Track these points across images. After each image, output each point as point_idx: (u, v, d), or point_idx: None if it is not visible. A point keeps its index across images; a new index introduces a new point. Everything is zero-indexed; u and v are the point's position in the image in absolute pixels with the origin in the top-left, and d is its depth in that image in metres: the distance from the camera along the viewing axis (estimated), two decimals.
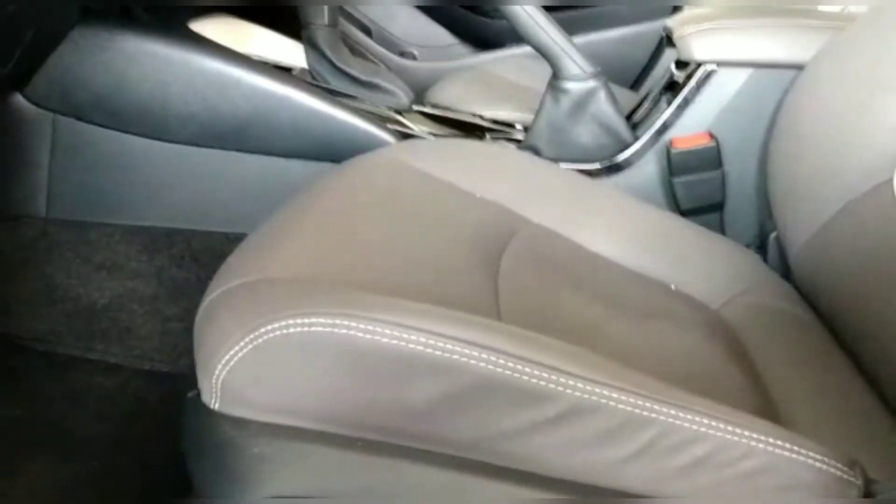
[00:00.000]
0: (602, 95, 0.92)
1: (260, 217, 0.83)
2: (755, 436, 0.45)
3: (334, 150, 0.91)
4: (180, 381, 0.60)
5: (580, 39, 1.57)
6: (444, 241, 0.68)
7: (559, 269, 0.72)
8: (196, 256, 0.95)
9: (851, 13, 0.96)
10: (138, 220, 0.95)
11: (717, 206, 0.90)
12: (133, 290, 0.94)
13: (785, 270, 0.82)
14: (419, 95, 1.39)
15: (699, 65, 0.90)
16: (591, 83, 0.92)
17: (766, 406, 0.63)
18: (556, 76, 0.93)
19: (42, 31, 0.85)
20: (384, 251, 0.62)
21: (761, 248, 0.86)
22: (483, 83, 1.28)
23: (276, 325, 0.44)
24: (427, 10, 1.67)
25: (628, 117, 0.97)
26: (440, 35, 1.67)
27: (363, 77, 0.98)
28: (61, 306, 0.94)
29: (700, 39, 0.89)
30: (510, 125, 1.06)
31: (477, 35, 1.67)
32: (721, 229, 0.90)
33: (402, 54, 1.66)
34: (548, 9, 1.51)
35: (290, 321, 0.44)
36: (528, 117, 1.02)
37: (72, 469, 0.78)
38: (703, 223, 0.87)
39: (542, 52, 0.93)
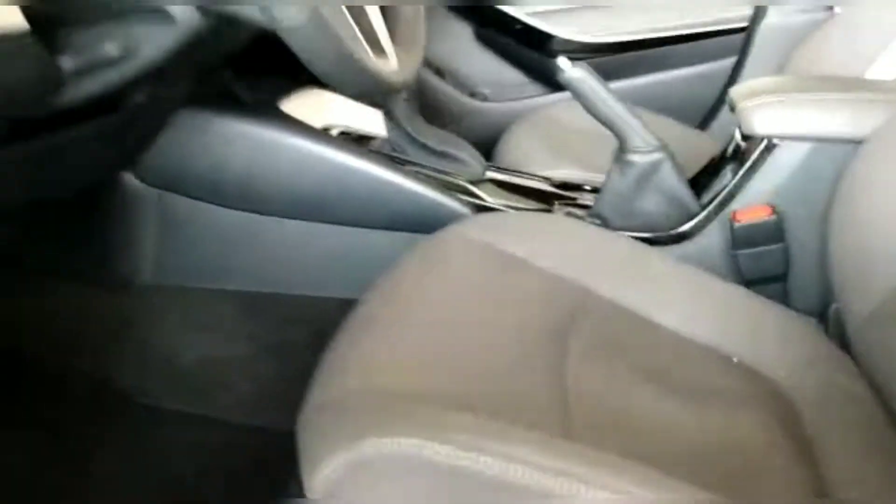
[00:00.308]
0: (667, 168, 0.96)
1: (343, 283, 0.92)
2: None
3: (412, 222, 0.98)
4: (276, 436, 0.67)
5: (648, 79, 1.64)
6: (519, 326, 0.74)
7: (627, 352, 0.77)
8: (287, 318, 1.04)
9: None
10: (235, 286, 1.04)
11: (780, 278, 0.93)
12: (231, 350, 1.03)
13: (844, 343, 0.84)
14: (491, 140, 1.45)
15: (761, 138, 0.93)
16: (656, 156, 0.96)
17: (817, 484, 0.67)
18: (622, 149, 0.97)
19: (154, 117, 0.94)
20: (465, 344, 0.68)
21: (822, 318, 0.90)
22: (551, 136, 1.34)
23: (375, 445, 0.51)
24: (498, 51, 1.73)
25: (693, 182, 1.01)
26: (511, 75, 1.73)
27: (438, 148, 1.05)
28: (165, 364, 1.04)
29: (760, 113, 0.93)
30: (578, 187, 1.11)
31: (547, 76, 1.72)
32: (783, 299, 0.93)
33: (474, 95, 1.73)
34: (620, 46, 1.59)
35: (388, 440, 0.51)
36: (595, 177, 1.08)
37: None
38: (765, 293, 0.91)
39: (607, 126, 0.98)
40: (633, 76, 1.64)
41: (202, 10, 0.61)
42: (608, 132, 0.99)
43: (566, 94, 1.63)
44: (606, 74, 1.62)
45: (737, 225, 0.92)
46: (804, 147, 0.92)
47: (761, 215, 0.92)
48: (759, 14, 1.57)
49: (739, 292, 0.90)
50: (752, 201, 0.94)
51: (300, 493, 0.54)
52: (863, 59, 1.26)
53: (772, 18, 1.56)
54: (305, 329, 0.92)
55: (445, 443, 0.49)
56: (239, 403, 1.04)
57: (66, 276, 1.04)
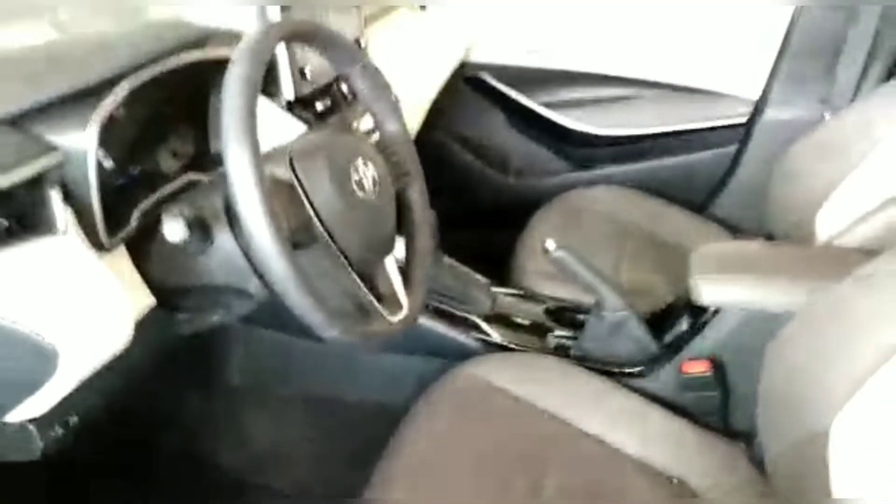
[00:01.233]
0: (633, 322, 1.23)
1: (379, 389, 1.22)
2: None
3: (433, 350, 1.28)
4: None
5: (657, 163, 1.86)
6: (515, 465, 1.04)
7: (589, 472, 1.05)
8: (339, 413, 1.35)
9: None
10: (301, 390, 1.36)
11: (718, 413, 1.20)
12: (298, 435, 1.37)
13: (763, 468, 1.11)
14: (524, 213, 1.70)
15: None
16: (624, 314, 1.23)
17: None
18: (599, 307, 1.24)
19: None
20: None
21: (749, 445, 1.15)
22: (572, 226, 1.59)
23: None
24: (528, 132, 1.97)
25: (658, 327, 1.27)
26: (542, 154, 1.97)
27: (454, 289, 1.33)
28: (249, 447, 1.38)
29: (707, 287, 1.17)
30: (570, 312, 1.38)
31: (572, 155, 1.96)
32: (723, 428, 1.20)
33: (506, 171, 1.99)
34: (630, 139, 1.81)
35: None
36: (587, 299, 1.34)
37: None
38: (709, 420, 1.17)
39: (588, 289, 1.24)
40: (644, 160, 1.87)
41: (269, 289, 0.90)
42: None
43: (594, 173, 1.90)
44: (618, 159, 1.88)
45: (683, 376, 1.19)
46: (742, 314, 1.16)
47: (702, 369, 1.18)
48: (758, 110, 1.76)
49: (683, 423, 1.16)
50: (699, 353, 1.19)
51: None
52: (838, 173, 1.47)
53: (769, 115, 1.75)
54: (353, 422, 1.24)
55: None
56: (304, 477, 1.37)
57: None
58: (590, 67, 1.87)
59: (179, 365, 1.34)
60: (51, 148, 0.76)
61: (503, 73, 1.92)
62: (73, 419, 0.80)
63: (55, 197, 0.76)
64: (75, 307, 0.72)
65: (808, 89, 1.71)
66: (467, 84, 1.94)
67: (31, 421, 0.74)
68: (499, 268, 1.55)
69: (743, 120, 1.79)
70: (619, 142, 1.87)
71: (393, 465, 1.03)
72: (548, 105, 1.91)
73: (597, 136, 1.88)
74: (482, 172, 1.95)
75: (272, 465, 1.37)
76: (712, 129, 1.83)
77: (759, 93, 1.76)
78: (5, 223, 0.75)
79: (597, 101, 1.90)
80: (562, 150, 1.94)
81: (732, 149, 1.80)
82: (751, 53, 1.78)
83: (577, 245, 1.37)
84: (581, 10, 1.86)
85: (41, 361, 0.68)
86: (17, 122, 0.77)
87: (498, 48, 1.91)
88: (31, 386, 0.70)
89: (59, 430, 0.77)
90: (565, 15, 1.87)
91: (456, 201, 1.71)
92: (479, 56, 1.92)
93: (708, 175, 1.84)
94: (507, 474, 1.03)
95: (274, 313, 1.26)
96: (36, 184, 0.75)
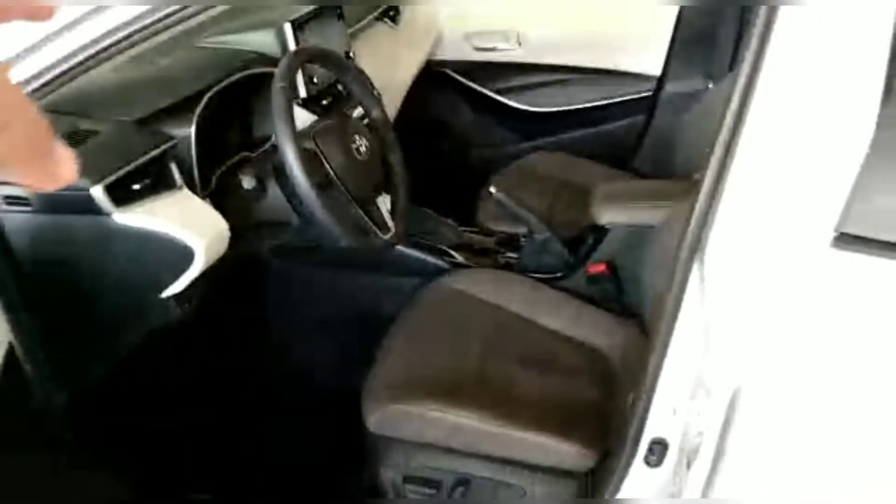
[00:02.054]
0: (554, 242, 1.75)
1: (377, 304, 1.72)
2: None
3: (416, 271, 1.78)
4: None
5: (584, 132, 2.37)
6: (475, 339, 1.54)
7: (522, 345, 1.56)
8: (351, 325, 1.86)
9: None
10: (319, 313, 1.87)
11: (618, 300, 1.71)
12: (321, 346, 1.88)
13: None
14: (480, 179, 2.21)
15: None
16: (548, 235, 1.75)
17: (611, 405, 1.46)
18: (530, 232, 1.76)
19: None
20: (448, 359, 1.49)
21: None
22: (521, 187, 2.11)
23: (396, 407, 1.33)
24: (484, 113, 2.48)
25: (575, 244, 1.79)
26: (494, 129, 2.49)
27: (431, 231, 1.84)
28: (286, 358, 1.89)
29: (602, 210, 1.69)
30: (513, 241, 1.90)
31: (519, 130, 2.47)
32: (621, 308, 1.70)
33: (468, 144, 2.50)
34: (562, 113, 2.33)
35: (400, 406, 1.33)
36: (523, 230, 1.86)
37: None
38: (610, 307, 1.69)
39: (522, 220, 1.76)
40: (576, 130, 2.38)
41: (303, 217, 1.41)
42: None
43: (536, 142, 2.41)
44: (555, 131, 2.38)
45: (589, 276, 1.70)
46: (627, 229, 1.68)
47: (601, 270, 1.69)
48: (660, 85, 2.26)
49: (593, 308, 1.67)
50: (599, 259, 1.71)
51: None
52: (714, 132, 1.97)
53: (668, 89, 2.25)
54: (363, 329, 1.74)
55: (422, 407, 1.32)
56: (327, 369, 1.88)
57: None
58: (529, 59, 2.38)
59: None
60: (170, 137, 1.27)
61: (461, 67, 2.43)
62: (190, 303, 1.31)
63: (174, 167, 1.27)
64: (197, 226, 1.23)
65: (696, 65, 2.20)
66: (434, 77, 2.44)
67: (174, 297, 1.25)
68: (466, 214, 2.06)
69: (650, 93, 2.29)
70: (555, 116, 2.39)
71: (391, 343, 1.54)
72: (498, 91, 2.42)
73: (537, 114, 2.39)
74: (450, 146, 2.47)
75: (302, 366, 1.87)
76: (627, 101, 2.33)
77: (661, 70, 2.26)
78: (141, 185, 1.26)
79: (537, 85, 2.41)
80: (511, 127, 2.46)
81: (642, 117, 2.31)
82: (654, 38, 2.27)
83: (522, 195, 1.89)
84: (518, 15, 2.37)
85: (184, 256, 1.19)
86: (145, 122, 1.28)
87: (455, 48, 2.42)
88: (178, 272, 1.21)
89: (186, 306, 1.28)
90: (507, 18, 2.38)
91: (432, 169, 2.22)
92: (442, 55, 2.42)
93: (626, 138, 2.34)
94: (466, 346, 1.53)
95: (301, 248, 1.77)
96: (162, 159, 1.26)
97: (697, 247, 0.98)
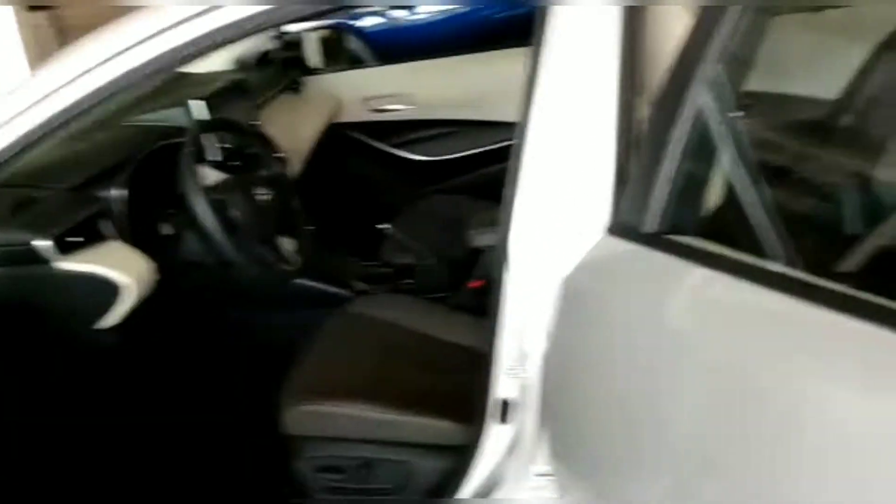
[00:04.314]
0: (440, 266, 2.06)
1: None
2: None
3: (323, 302, 2.07)
4: None
5: (471, 175, 2.72)
6: (377, 355, 1.83)
7: (416, 353, 1.86)
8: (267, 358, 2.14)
9: None
10: (237, 349, 2.14)
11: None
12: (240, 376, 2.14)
13: None
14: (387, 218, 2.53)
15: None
16: (434, 261, 2.06)
17: None
18: (421, 260, 2.07)
19: None
20: (352, 367, 1.78)
21: None
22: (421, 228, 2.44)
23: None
24: (383, 166, 2.82)
25: (457, 266, 2.11)
26: (393, 178, 2.83)
27: (336, 266, 2.14)
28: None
29: (476, 236, 2.01)
30: (410, 270, 2.21)
31: (415, 177, 2.82)
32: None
33: (372, 192, 2.82)
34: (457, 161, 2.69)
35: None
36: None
37: None
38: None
39: (413, 252, 2.07)
40: (465, 174, 2.73)
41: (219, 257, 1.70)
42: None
43: (434, 187, 2.74)
44: (446, 176, 2.72)
45: (471, 290, 2.02)
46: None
47: (480, 284, 2.01)
48: None
49: (467, 317, 1.98)
50: (478, 276, 2.03)
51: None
52: None
53: None
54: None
55: (330, 406, 1.60)
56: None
57: None
58: (420, 116, 2.73)
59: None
60: (102, 199, 1.56)
61: (361, 127, 2.77)
62: (120, 334, 1.58)
63: (106, 222, 1.56)
64: (126, 268, 1.51)
65: None
66: (338, 138, 2.77)
67: (106, 329, 1.52)
68: (371, 252, 2.36)
69: None
70: (446, 164, 2.74)
71: (303, 360, 1.82)
72: (395, 145, 2.77)
73: (430, 162, 2.74)
74: (356, 195, 2.79)
75: (220, 391, 2.12)
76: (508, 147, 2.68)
77: None
78: (79, 237, 1.53)
79: (429, 138, 2.76)
80: (408, 175, 2.80)
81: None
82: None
83: (417, 230, 2.22)
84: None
85: (115, 293, 1.48)
86: (87, 185, 1.57)
87: (355, 111, 2.76)
88: (109, 307, 1.49)
89: (116, 337, 1.55)
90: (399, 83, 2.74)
91: (340, 215, 2.53)
92: (343, 118, 2.76)
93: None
94: (367, 357, 1.80)
95: (217, 286, 2.04)
96: (95, 216, 1.54)
97: (507, 239, 1.30)
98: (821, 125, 1.51)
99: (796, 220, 1.26)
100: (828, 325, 0.87)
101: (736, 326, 0.99)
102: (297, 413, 1.62)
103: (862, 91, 1.45)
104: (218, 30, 1.21)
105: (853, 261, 1.19)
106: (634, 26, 1.20)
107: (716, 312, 1.03)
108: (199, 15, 1.22)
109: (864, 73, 1.44)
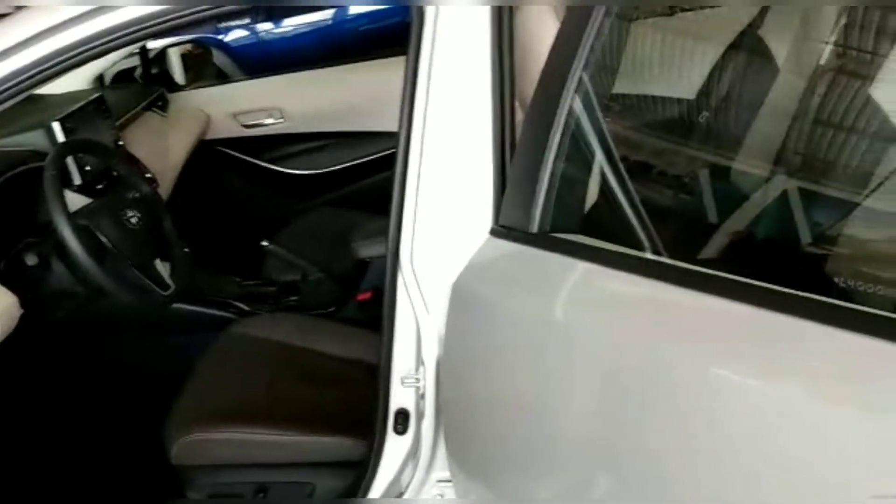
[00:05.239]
0: (326, 280, 2.04)
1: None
2: None
3: (204, 325, 2.00)
4: None
5: (350, 187, 2.70)
6: (266, 375, 1.77)
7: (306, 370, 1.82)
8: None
9: None
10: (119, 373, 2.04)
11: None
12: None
13: None
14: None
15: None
16: (322, 275, 2.04)
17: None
18: (303, 276, 2.04)
19: None
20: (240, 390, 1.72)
21: None
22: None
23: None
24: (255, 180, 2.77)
25: (343, 279, 2.09)
26: (269, 192, 2.78)
27: (214, 286, 2.08)
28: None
29: (359, 248, 2.00)
30: (294, 287, 2.17)
31: (291, 190, 2.78)
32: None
33: (247, 209, 2.76)
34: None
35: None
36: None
37: None
38: None
39: (295, 267, 2.04)
40: (343, 187, 2.71)
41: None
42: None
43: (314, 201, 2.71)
44: (323, 190, 2.69)
45: (359, 303, 2.01)
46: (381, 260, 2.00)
47: (368, 297, 2.00)
48: None
49: (364, 330, 1.96)
50: (366, 288, 2.02)
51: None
52: None
53: None
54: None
55: (219, 432, 1.54)
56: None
57: None
58: (293, 129, 2.69)
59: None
60: None
61: (233, 143, 2.70)
62: None
63: None
64: None
65: None
66: (210, 155, 2.69)
67: None
68: (252, 270, 2.30)
69: None
70: (323, 177, 2.71)
71: (187, 387, 1.75)
72: (270, 160, 2.72)
73: (307, 176, 2.71)
74: (233, 213, 2.72)
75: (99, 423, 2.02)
76: (383, 157, 2.69)
77: None
78: None
79: (303, 152, 2.73)
80: (285, 190, 2.75)
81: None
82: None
83: (298, 245, 2.18)
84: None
85: None
86: None
87: (225, 128, 2.69)
88: None
89: None
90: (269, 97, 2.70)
91: (216, 234, 2.46)
92: (214, 135, 2.68)
93: (385, 188, 2.68)
94: (254, 378, 1.75)
95: (89, 316, 1.94)
96: None
97: (397, 248, 1.30)
98: (680, 123, 1.61)
99: (665, 212, 1.33)
100: (702, 308, 0.92)
101: (618, 315, 1.03)
102: (186, 442, 1.55)
103: (715, 90, 1.55)
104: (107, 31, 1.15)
105: (714, 246, 1.28)
106: (506, 31, 1.23)
107: (598, 304, 1.07)
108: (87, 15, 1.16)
109: (716, 72, 1.54)
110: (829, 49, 1.36)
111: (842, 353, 0.75)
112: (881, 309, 0.77)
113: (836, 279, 1.04)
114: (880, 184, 1.18)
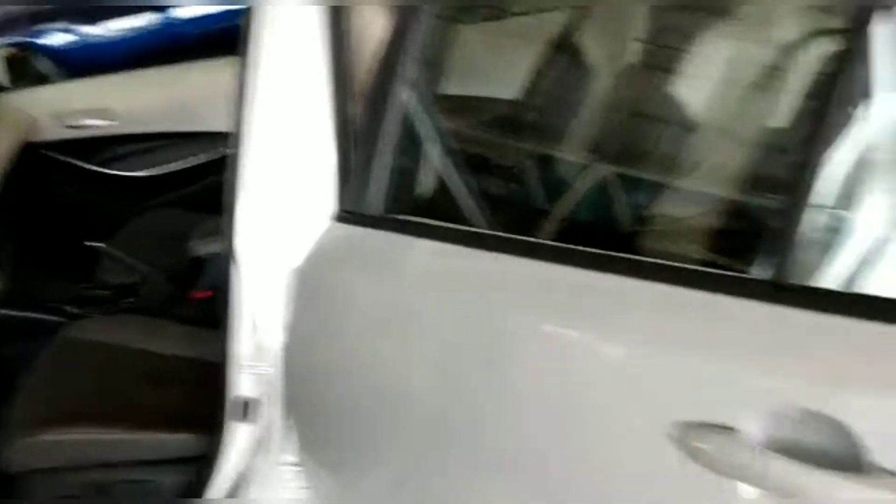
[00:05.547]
0: (157, 278, 2.00)
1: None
2: None
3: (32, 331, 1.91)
4: None
5: (188, 189, 2.65)
6: (98, 378, 1.71)
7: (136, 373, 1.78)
8: None
9: None
10: None
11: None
12: None
13: None
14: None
15: None
16: (154, 271, 2.00)
17: None
18: (140, 275, 2.00)
19: None
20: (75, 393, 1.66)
21: None
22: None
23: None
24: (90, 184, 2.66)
25: (180, 278, 2.06)
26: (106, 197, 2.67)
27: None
28: None
29: (196, 247, 1.98)
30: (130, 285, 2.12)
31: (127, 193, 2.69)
32: None
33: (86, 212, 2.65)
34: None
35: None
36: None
37: None
38: None
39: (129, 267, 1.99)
40: (181, 188, 2.66)
41: None
42: None
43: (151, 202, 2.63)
44: (158, 192, 2.62)
45: (196, 301, 1.99)
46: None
47: (208, 294, 1.98)
48: None
49: (191, 328, 1.94)
50: (204, 286, 2.00)
51: None
52: None
53: None
54: None
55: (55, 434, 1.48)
56: None
57: None
58: (124, 130, 2.60)
59: None
60: None
61: (60, 146, 2.58)
62: None
63: None
64: None
65: None
66: (37, 159, 2.54)
67: None
68: (87, 274, 2.21)
69: None
70: (157, 179, 2.64)
71: (19, 395, 1.66)
72: (101, 162, 2.61)
73: (141, 178, 2.63)
74: (64, 217, 2.60)
75: None
76: (220, 159, 2.66)
77: None
78: None
79: (135, 153, 2.65)
80: (119, 193, 2.66)
81: None
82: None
83: (134, 247, 2.12)
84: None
85: None
86: None
87: (51, 130, 2.56)
88: None
89: None
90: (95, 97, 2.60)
91: (47, 238, 2.34)
92: (39, 137, 2.55)
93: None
94: (89, 380, 1.69)
95: None
96: None
97: (231, 241, 1.32)
98: (503, 119, 1.74)
99: (489, 195, 1.44)
100: (537, 274, 1.02)
101: (456, 288, 1.11)
102: (19, 447, 1.49)
103: (537, 89, 1.69)
104: None
105: (538, 227, 1.39)
106: (340, 26, 1.29)
107: (437, 277, 1.15)
108: None
109: (538, 73, 1.67)
110: (636, 48, 1.52)
111: (651, 304, 0.87)
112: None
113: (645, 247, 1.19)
114: (687, 167, 1.34)
